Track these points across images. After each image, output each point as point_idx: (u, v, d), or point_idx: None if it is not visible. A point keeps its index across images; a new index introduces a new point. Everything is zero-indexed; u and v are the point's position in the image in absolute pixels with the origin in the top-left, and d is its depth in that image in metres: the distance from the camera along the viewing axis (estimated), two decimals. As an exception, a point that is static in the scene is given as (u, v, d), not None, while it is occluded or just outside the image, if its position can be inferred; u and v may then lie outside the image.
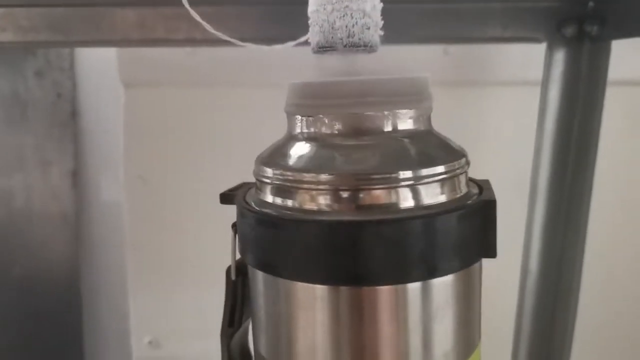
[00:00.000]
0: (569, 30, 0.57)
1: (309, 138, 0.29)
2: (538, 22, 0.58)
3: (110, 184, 0.87)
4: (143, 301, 0.81)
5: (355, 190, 0.26)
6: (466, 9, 0.58)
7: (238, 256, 0.31)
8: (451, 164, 0.28)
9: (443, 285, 0.27)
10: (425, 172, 0.27)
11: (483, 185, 0.31)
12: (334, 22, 0.29)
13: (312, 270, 0.27)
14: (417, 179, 0.27)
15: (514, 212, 0.57)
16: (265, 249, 0.28)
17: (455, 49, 0.73)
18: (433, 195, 0.27)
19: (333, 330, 0.27)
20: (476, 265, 0.29)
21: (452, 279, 0.27)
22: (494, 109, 0.75)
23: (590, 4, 0.57)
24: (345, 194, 0.26)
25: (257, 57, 0.65)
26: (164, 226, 0.79)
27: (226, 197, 0.32)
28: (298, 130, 0.29)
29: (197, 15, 0.36)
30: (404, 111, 0.28)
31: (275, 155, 0.29)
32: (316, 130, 0.29)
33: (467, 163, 0.30)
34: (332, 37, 0.29)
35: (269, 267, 0.28)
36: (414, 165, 0.27)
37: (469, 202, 0.28)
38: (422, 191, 0.27)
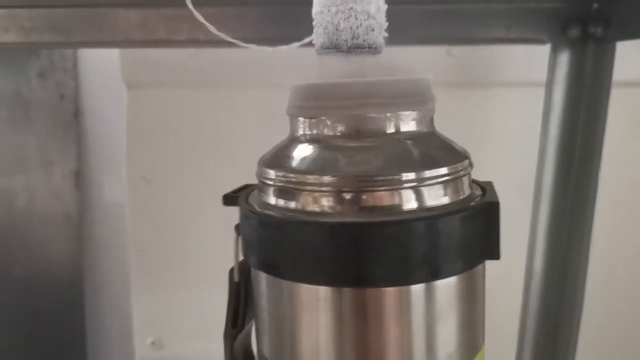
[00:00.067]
0: (574, 32, 0.57)
1: (311, 140, 0.29)
2: (542, 23, 0.58)
3: (113, 185, 0.87)
4: (146, 301, 0.81)
5: (358, 192, 0.26)
6: (469, 9, 0.58)
7: (241, 258, 0.31)
8: (454, 165, 0.28)
9: (446, 287, 0.27)
10: (428, 173, 0.27)
11: (486, 187, 0.31)
12: (339, 23, 0.29)
13: (315, 272, 0.27)
14: (420, 181, 0.27)
15: (518, 213, 0.57)
16: (268, 251, 0.28)
17: (459, 50, 0.73)
18: (436, 197, 0.27)
19: (336, 332, 0.27)
20: (480, 267, 0.29)
21: (456, 281, 0.27)
22: (497, 110, 0.75)
23: (595, 5, 0.57)
24: (348, 196, 0.26)
25: (260, 58, 0.65)
26: (166, 227, 0.79)
27: (229, 199, 0.32)
28: (301, 132, 0.29)
29: (200, 16, 0.36)
30: (407, 113, 0.28)
31: (278, 157, 0.29)
32: (319, 132, 0.28)
33: (470, 165, 0.30)
34: (337, 39, 0.29)
35: (272, 269, 0.28)
36: (417, 167, 0.27)
37: (472, 204, 0.28)
38: (425, 193, 0.27)
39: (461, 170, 0.28)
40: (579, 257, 0.62)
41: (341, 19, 0.29)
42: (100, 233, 0.89)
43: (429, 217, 0.26)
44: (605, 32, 0.56)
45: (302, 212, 0.27)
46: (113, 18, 0.57)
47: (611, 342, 0.78)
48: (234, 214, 0.31)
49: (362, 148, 0.28)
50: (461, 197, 0.28)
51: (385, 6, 0.30)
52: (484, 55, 0.73)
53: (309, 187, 0.27)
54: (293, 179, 0.28)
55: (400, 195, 0.26)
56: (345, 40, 0.29)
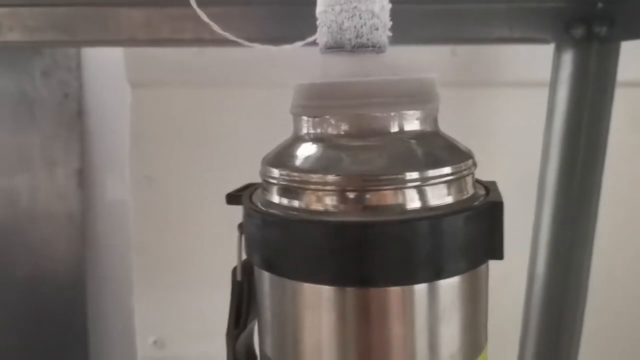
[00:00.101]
0: (578, 31, 0.56)
1: (315, 139, 0.29)
2: (546, 22, 0.58)
3: (116, 184, 0.87)
4: (148, 301, 0.81)
5: (361, 191, 0.26)
6: (473, 9, 0.58)
7: (244, 257, 0.31)
8: (458, 165, 0.28)
9: (449, 286, 0.27)
10: (431, 173, 0.27)
11: (490, 187, 0.30)
12: (342, 22, 0.29)
13: (319, 271, 0.27)
14: (424, 180, 0.27)
15: (522, 213, 0.57)
16: (272, 250, 0.28)
17: (463, 50, 0.73)
18: (440, 197, 0.27)
19: (339, 331, 0.27)
20: (483, 267, 0.29)
21: (459, 281, 0.27)
22: (501, 110, 0.74)
23: (599, 4, 0.57)
24: (351, 195, 0.26)
25: (264, 58, 0.65)
26: (169, 226, 0.79)
27: (232, 198, 0.32)
28: (304, 131, 0.29)
29: (204, 16, 0.36)
30: (411, 112, 0.28)
31: (282, 156, 0.29)
32: (322, 131, 0.28)
33: (474, 164, 0.29)
34: (341, 38, 0.29)
35: (275, 268, 0.28)
36: (421, 167, 0.27)
37: (476, 203, 0.28)
38: (428, 192, 0.27)
39: (465, 170, 0.28)
40: (581, 257, 0.62)
41: (345, 18, 0.29)
42: (103, 232, 0.89)
43: (433, 216, 0.26)
44: (609, 31, 0.56)
45: (306, 211, 0.27)
46: (117, 17, 0.57)
47: (611, 342, 0.78)
48: (237, 213, 0.31)
49: (366, 147, 0.28)
50: (465, 197, 0.28)
51: (390, 5, 0.30)
52: (488, 55, 0.73)
53: (312, 186, 0.27)
54: (297, 178, 0.27)
55: (403, 194, 0.26)
56: (349, 40, 0.29)
